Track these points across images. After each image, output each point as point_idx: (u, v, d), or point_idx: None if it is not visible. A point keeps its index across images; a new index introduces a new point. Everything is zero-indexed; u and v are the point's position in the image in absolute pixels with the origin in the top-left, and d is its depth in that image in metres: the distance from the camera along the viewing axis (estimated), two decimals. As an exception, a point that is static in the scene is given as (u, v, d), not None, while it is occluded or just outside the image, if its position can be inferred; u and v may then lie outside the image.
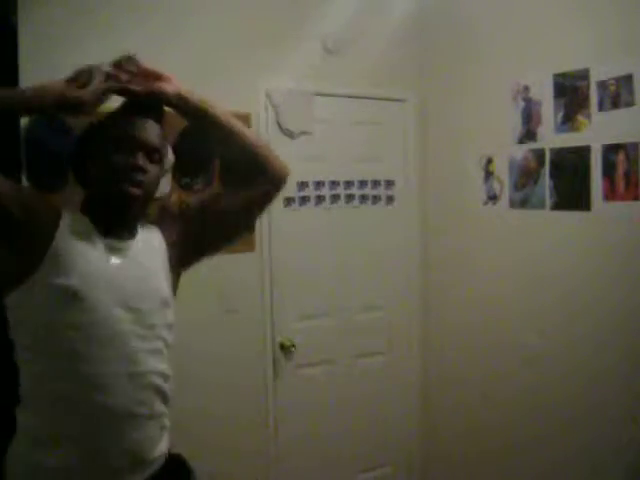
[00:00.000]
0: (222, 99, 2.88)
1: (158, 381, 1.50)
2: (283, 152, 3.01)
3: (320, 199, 3.18)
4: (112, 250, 1.47)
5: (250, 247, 2.98)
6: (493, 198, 3.03)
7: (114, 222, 1.50)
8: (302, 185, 3.13)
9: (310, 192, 3.15)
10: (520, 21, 2.83)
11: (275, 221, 3.04)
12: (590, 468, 2.54)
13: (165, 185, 2.73)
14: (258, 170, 1.66)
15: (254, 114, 2.96)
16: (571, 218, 2.62)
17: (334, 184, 3.22)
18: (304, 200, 3.13)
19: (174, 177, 2.76)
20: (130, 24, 2.66)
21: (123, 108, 1.61)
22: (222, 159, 1.68)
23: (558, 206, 2.69)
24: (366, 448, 3.29)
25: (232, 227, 1.72)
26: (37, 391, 1.43)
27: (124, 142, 1.49)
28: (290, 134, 3.07)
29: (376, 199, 3.36)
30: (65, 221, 1.44)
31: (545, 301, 2.75)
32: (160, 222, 1.64)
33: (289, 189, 3.09)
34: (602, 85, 2.46)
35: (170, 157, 2.71)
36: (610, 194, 2.46)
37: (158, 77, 1.66)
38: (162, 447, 1.58)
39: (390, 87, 3.36)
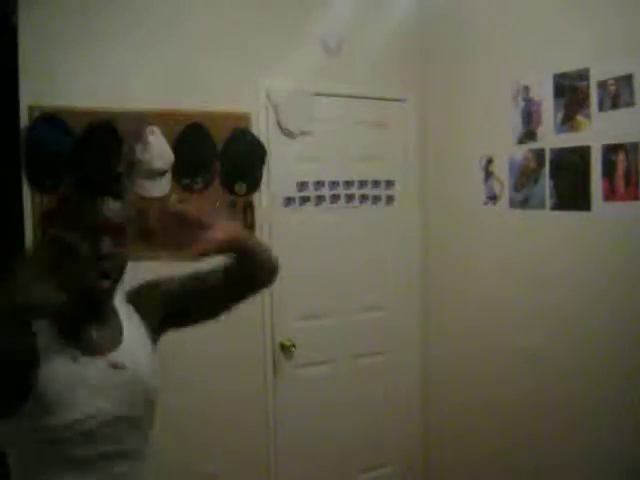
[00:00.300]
0: (222, 99, 2.91)
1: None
2: (283, 152, 3.06)
3: (320, 199, 3.18)
4: (112, 367, 1.37)
5: (250, 247, 2.98)
6: (493, 198, 3.03)
7: (73, 331, 1.35)
8: (302, 185, 3.13)
9: (310, 192, 3.15)
10: (520, 21, 2.83)
11: (275, 221, 3.04)
12: (591, 469, 2.54)
13: (165, 185, 2.74)
14: (255, 275, 1.72)
15: (254, 114, 2.97)
16: (571, 218, 2.62)
17: (334, 184, 3.22)
18: (304, 200, 3.13)
19: (174, 178, 2.76)
20: (130, 24, 2.67)
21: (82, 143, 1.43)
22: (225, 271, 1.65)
23: (558, 206, 2.69)
24: (366, 448, 3.29)
25: (217, 306, 1.72)
26: None
27: (81, 224, 1.33)
28: (290, 134, 3.07)
29: (376, 199, 3.36)
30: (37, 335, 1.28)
31: (545, 301, 2.75)
32: (136, 303, 1.56)
33: (289, 189, 3.09)
34: (602, 85, 2.46)
35: (170, 157, 2.73)
36: (610, 194, 2.46)
37: (203, 225, 1.50)
38: None
39: (390, 87, 3.36)
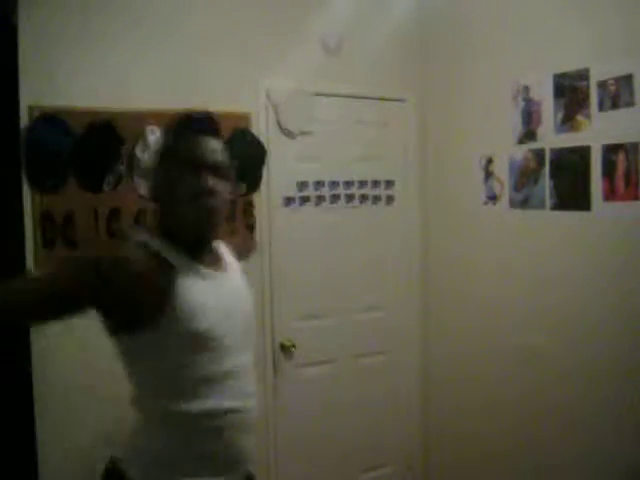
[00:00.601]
0: (222, 99, 2.91)
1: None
2: (283, 152, 3.06)
3: (320, 199, 3.18)
4: (218, 281, 1.54)
5: (250, 247, 2.97)
6: (493, 198, 3.03)
7: (201, 247, 1.56)
8: (302, 185, 3.13)
9: (310, 192, 3.15)
10: (520, 21, 2.83)
11: (275, 221, 3.04)
12: (590, 468, 2.54)
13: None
14: None
15: (254, 114, 2.97)
16: (571, 218, 2.62)
17: (334, 184, 3.22)
18: (304, 200, 3.13)
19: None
20: (130, 24, 2.67)
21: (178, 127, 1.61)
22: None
23: (558, 206, 2.69)
24: (366, 448, 3.29)
25: None
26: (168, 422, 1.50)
27: (194, 166, 1.52)
28: (290, 134, 3.07)
29: (376, 199, 3.36)
30: (166, 268, 1.48)
31: (545, 301, 2.75)
32: None
33: (289, 189, 3.09)
34: (602, 85, 2.46)
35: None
36: (610, 194, 2.46)
37: None
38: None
39: (390, 87, 3.36)
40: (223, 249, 1.67)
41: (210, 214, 1.52)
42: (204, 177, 1.51)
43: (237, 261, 1.70)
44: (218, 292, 1.53)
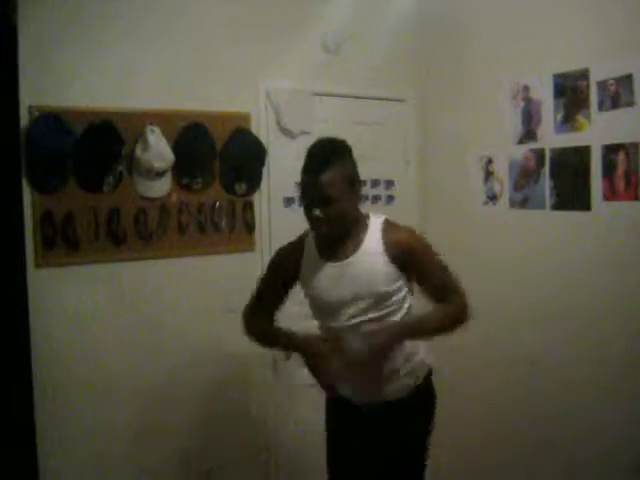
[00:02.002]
0: (222, 99, 2.91)
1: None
2: (283, 152, 3.06)
3: (320, 199, 3.17)
4: (330, 268, 2.12)
5: (250, 247, 2.98)
6: (493, 198, 3.03)
7: (328, 248, 2.12)
8: (302, 185, 3.12)
9: (310, 192, 3.14)
10: (520, 21, 2.83)
11: (275, 221, 3.04)
12: (590, 469, 2.54)
13: (165, 185, 2.74)
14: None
15: (254, 114, 2.97)
16: (571, 218, 2.62)
17: (334, 184, 3.21)
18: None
19: (174, 178, 2.76)
20: (129, 24, 2.67)
21: (307, 159, 2.16)
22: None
23: (558, 206, 2.69)
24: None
25: None
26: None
27: (305, 199, 2.09)
28: (290, 134, 3.07)
29: (376, 199, 3.36)
30: (305, 253, 2.19)
31: (545, 301, 2.75)
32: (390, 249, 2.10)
33: (289, 189, 3.09)
34: (602, 85, 2.46)
35: (170, 157, 2.73)
36: (610, 194, 2.46)
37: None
38: (405, 367, 2.19)
39: (390, 87, 3.36)
40: (369, 237, 2.09)
41: (320, 233, 2.09)
42: (312, 210, 2.03)
43: (382, 243, 2.09)
44: (329, 276, 2.11)
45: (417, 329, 2.11)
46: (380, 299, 2.06)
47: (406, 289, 2.13)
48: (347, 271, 2.08)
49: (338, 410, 2.27)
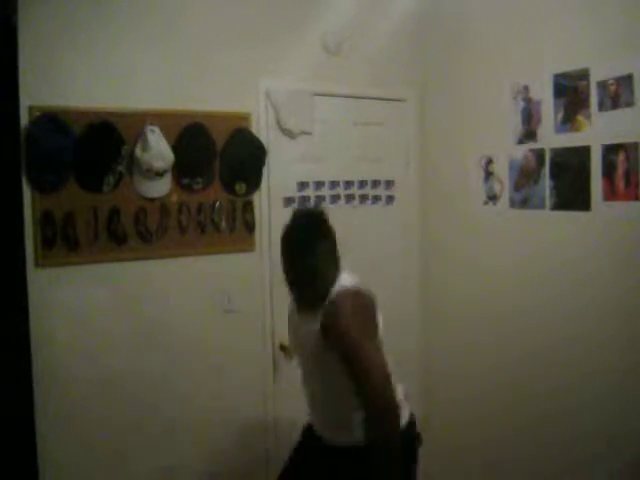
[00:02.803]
0: (222, 99, 2.91)
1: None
2: (283, 152, 3.06)
3: (320, 199, 3.18)
4: (296, 317, 2.22)
5: (250, 247, 2.98)
6: (493, 198, 3.03)
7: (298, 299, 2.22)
8: (302, 185, 3.13)
9: (310, 192, 3.15)
10: (520, 21, 2.83)
11: (275, 221, 3.04)
12: (590, 466, 2.54)
13: (165, 185, 2.74)
14: None
15: (254, 114, 2.97)
16: (571, 218, 2.62)
17: (334, 184, 3.22)
18: (304, 200, 3.13)
19: (174, 178, 2.76)
20: (129, 24, 2.67)
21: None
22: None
23: (558, 206, 2.69)
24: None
25: None
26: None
27: (285, 271, 2.18)
28: (290, 134, 3.07)
29: (376, 199, 3.36)
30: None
31: (545, 301, 2.75)
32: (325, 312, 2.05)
33: (289, 189, 3.09)
34: (602, 85, 2.46)
35: (170, 157, 2.74)
36: (610, 194, 2.46)
37: None
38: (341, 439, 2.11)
39: (390, 87, 3.36)
40: (324, 305, 2.04)
41: (292, 292, 2.20)
42: (286, 275, 2.15)
43: (322, 315, 2.04)
44: (294, 326, 2.24)
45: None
46: (317, 362, 2.10)
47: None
48: (298, 331, 2.19)
49: (304, 435, 2.35)
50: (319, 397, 2.23)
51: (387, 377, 1.91)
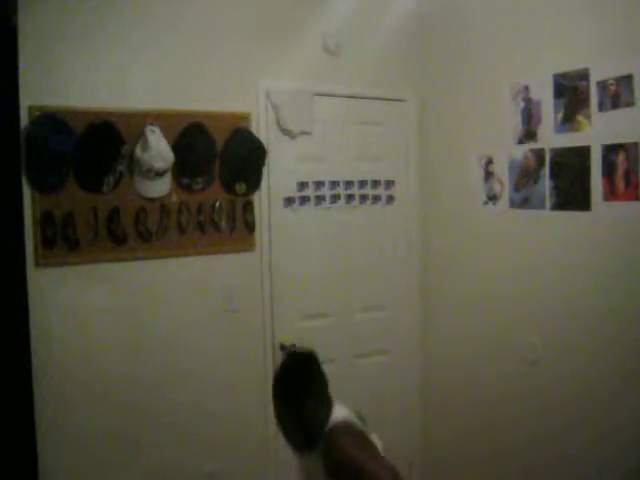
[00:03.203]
0: (222, 99, 2.91)
1: None
2: (283, 152, 3.06)
3: (320, 199, 3.18)
4: (301, 465, 2.10)
5: (250, 247, 2.98)
6: (493, 198, 3.03)
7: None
8: (302, 185, 3.13)
9: (310, 192, 3.15)
10: (520, 21, 2.83)
11: (275, 221, 3.04)
12: (590, 468, 2.54)
13: (165, 185, 2.74)
14: None
15: (254, 114, 2.97)
16: (571, 218, 2.62)
17: (334, 184, 3.22)
18: (304, 200, 3.13)
19: (174, 178, 2.76)
20: (129, 24, 2.67)
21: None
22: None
23: (558, 206, 2.69)
24: (366, 448, 3.28)
25: None
26: None
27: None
28: (290, 134, 3.07)
29: (376, 199, 3.36)
30: None
31: (545, 301, 2.75)
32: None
33: (289, 189, 3.09)
34: (602, 85, 2.46)
35: (170, 157, 2.74)
36: (610, 194, 2.46)
37: None
38: None
39: (390, 87, 3.36)
40: (329, 433, 1.98)
41: (287, 439, 2.05)
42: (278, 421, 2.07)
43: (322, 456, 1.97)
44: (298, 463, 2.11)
45: None
46: None
47: None
48: (302, 468, 2.12)
49: None
50: None
51: None
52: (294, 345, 2.16)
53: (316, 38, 3.12)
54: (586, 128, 2.54)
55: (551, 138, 2.70)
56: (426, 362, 3.47)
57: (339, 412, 2.07)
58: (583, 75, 2.53)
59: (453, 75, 3.23)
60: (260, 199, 3.00)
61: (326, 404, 2.08)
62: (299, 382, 2.08)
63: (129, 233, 2.66)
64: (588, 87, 2.51)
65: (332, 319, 3.22)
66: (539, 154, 2.75)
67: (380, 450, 2.07)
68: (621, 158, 2.41)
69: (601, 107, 2.47)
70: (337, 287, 3.22)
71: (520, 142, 2.85)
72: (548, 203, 2.72)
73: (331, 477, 1.94)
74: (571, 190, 2.62)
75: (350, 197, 3.27)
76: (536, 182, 2.77)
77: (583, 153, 2.55)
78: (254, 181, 2.97)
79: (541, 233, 2.77)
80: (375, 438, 2.08)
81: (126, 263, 2.67)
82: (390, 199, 3.40)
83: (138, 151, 2.63)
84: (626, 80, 2.37)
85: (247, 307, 2.98)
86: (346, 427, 2.01)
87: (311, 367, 2.14)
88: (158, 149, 2.64)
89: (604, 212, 2.48)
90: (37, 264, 2.48)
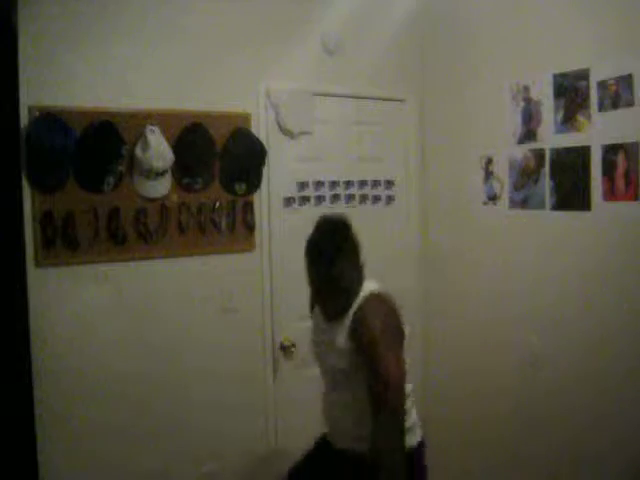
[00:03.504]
0: (222, 99, 2.91)
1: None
2: (283, 152, 3.06)
3: (320, 199, 3.18)
4: (323, 326, 2.22)
5: (250, 247, 2.98)
6: (493, 198, 3.03)
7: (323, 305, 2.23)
8: (302, 185, 3.13)
9: (310, 192, 3.15)
10: (520, 21, 2.83)
11: (275, 221, 3.04)
12: (589, 465, 2.55)
13: (165, 185, 2.74)
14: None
15: (254, 114, 2.97)
16: (571, 218, 2.62)
17: (334, 184, 3.22)
18: (304, 200, 3.13)
19: (174, 178, 2.76)
20: (130, 24, 2.67)
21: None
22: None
23: (558, 206, 2.69)
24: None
25: None
26: None
27: (310, 280, 2.20)
28: (290, 134, 3.07)
29: (376, 199, 3.36)
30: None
31: (545, 301, 2.75)
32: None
33: (289, 189, 3.09)
34: (602, 85, 2.46)
35: (170, 157, 2.74)
36: (610, 194, 2.46)
37: None
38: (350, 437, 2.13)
39: (390, 87, 3.36)
40: (351, 310, 2.09)
41: (318, 302, 2.25)
42: (312, 285, 2.20)
43: (351, 319, 2.08)
44: (321, 335, 2.23)
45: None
46: (336, 372, 2.13)
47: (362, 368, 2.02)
48: (325, 339, 2.18)
49: (318, 447, 2.34)
50: (341, 406, 2.18)
51: (401, 388, 1.96)
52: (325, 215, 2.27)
53: (316, 38, 3.12)
54: (586, 128, 2.54)
55: (551, 138, 2.70)
56: (426, 362, 3.46)
57: (372, 286, 2.14)
58: (583, 75, 2.53)
59: (453, 75, 3.23)
60: (260, 199, 3.00)
61: (359, 271, 2.17)
62: (334, 246, 2.11)
63: (129, 233, 2.66)
64: (588, 87, 2.51)
65: (332, 319, 3.21)
66: (539, 154, 2.76)
67: (407, 334, 2.16)
68: (621, 158, 2.41)
69: (601, 107, 2.47)
70: (337, 287, 3.21)
71: (520, 142, 2.85)
72: (548, 203, 2.73)
73: (351, 342, 2.02)
74: (571, 190, 2.62)
75: (350, 197, 3.27)
76: (536, 182, 2.77)
77: (583, 153, 2.55)
78: (254, 181, 2.97)
79: (541, 233, 2.77)
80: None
81: (126, 263, 2.67)
82: (390, 199, 3.40)
83: (138, 151, 2.63)
84: (626, 80, 2.37)
85: (247, 307, 2.98)
86: (382, 299, 2.10)
87: (346, 231, 2.17)
88: (158, 149, 2.64)
89: (604, 212, 2.49)
90: (37, 264, 2.48)
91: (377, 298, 2.10)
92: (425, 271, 3.46)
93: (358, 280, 2.14)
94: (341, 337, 2.07)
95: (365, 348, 1.98)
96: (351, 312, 2.08)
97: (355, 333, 2.02)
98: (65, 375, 2.53)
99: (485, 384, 3.07)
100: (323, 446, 2.31)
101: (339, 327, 2.09)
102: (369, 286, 2.14)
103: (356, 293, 2.10)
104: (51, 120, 2.47)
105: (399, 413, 1.93)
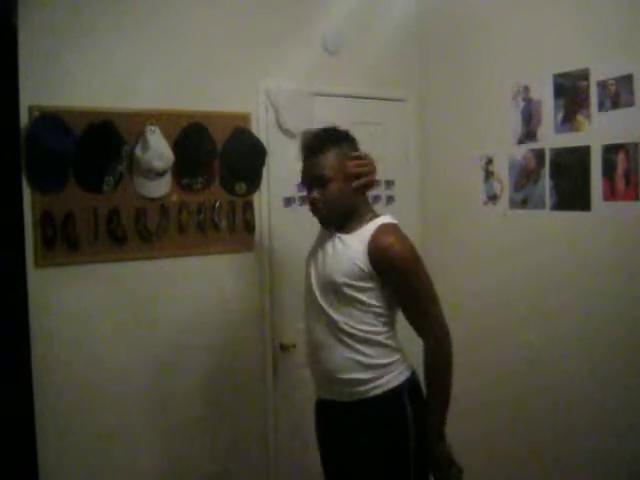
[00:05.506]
0: (222, 99, 2.91)
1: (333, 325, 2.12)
2: (283, 152, 3.06)
3: (320, 199, 3.17)
4: (323, 243, 2.20)
5: (250, 247, 2.98)
6: (493, 198, 3.03)
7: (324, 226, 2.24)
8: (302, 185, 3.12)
9: (310, 192, 3.15)
10: (520, 21, 2.84)
11: (275, 221, 3.04)
12: (589, 467, 2.55)
13: (165, 185, 2.74)
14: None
15: (254, 114, 2.97)
16: (571, 218, 2.62)
17: (334, 184, 3.22)
18: (304, 200, 3.12)
19: (174, 178, 2.76)
20: (129, 23, 2.67)
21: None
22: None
23: (558, 206, 2.69)
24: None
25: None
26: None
27: (303, 180, 2.23)
28: (290, 134, 3.07)
29: (376, 199, 3.35)
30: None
31: (545, 301, 2.75)
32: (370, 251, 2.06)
33: (289, 189, 3.09)
34: (602, 85, 2.46)
35: (170, 157, 2.73)
36: (610, 194, 2.46)
37: None
38: (354, 374, 2.10)
39: (390, 87, 3.36)
40: (361, 231, 2.09)
41: (317, 215, 2.19)
42: (310, 192, 2.18)
43: (367, 243, 2.06)
44: (316, 254, 2.24)
45: (439, 423, 2.09)
46: (337, 289, 2.08)
47: (376, 295, 2.08)
48: (328, 250, 2.15)
49: (317, 415, 2.31)
50: (331, 338, 2.14)
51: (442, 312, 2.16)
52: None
53: (316, 38, 3.12)
54: (586, 128, 2.54)
55: (551, 138, 2.70)
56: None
57: (389, 218, 2.15)
58: (583, 75, 2.53)
59: (453, 75, 3.23)
60: (260, 199, 3.00)
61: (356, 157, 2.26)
62: (332, 136, 2.21)
63: (129, 233, 2.66)
64: (588, 87, 2.51)
65: (332, 319, 3.21)
66: (539, 154, 2.76)
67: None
68: (621, 158, 2.41)
69: (601, 107, 2.47)
70: (337, 287, 3.21)
71: (520, 142, 2.85)
72: (548, 203, 2.73)
73: (371, 262, 2.02)
74: (571, 190, 2.62)
75: (350, 197, 3.27)
76: (536, 182, 2.78)
77: (583, 153, 2.55)
78: (254, 181, 2.97)
79: (541, 233, 2.77)
80: None
81: (126, 263, 2.67)
82: (390, 199, 3.40)
83: (138, 151, 2.63)
84: (626, 80, 2.37)
85: (247, 307, 2.98)
86: (406, 238, 2.11)
87: (346, 135, 2.31)
88: (158, 149, 2.64)
89: (604, 212, 2.49)
90: (37, 264, 2.48)
91: (402, 235, 2.11)
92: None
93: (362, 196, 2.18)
94: (349, 256, 2.05)
95: (406, 280, 2.09)
96: (364, 234, 2.06)
97: (382, 260, 2.02)
98: (65, 375, 2.53)
99: (484, 383, 3.07)
100: (319, 407, 2.29)
101: (346, 245, 2.08)
102: (386, 218, 2.14)
103: (362, 204, 2.17)
104: (51, 120, 2.47)
105: (448, 337, 2.12)
